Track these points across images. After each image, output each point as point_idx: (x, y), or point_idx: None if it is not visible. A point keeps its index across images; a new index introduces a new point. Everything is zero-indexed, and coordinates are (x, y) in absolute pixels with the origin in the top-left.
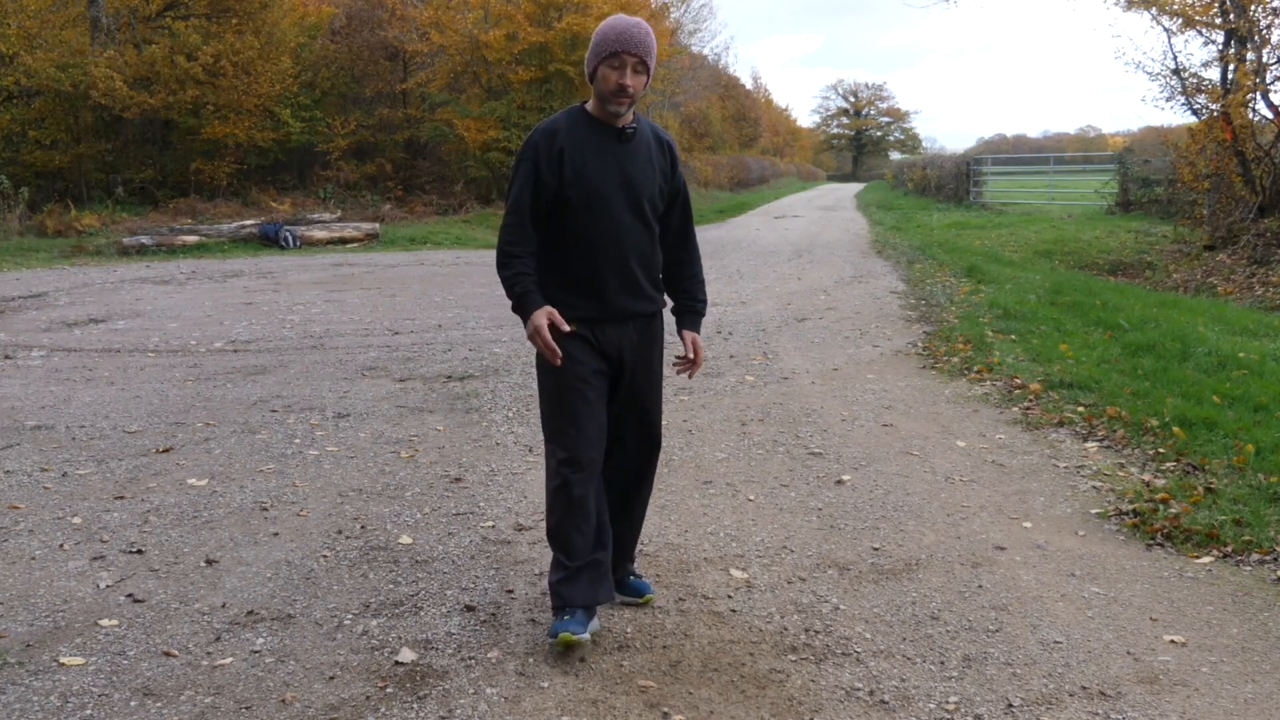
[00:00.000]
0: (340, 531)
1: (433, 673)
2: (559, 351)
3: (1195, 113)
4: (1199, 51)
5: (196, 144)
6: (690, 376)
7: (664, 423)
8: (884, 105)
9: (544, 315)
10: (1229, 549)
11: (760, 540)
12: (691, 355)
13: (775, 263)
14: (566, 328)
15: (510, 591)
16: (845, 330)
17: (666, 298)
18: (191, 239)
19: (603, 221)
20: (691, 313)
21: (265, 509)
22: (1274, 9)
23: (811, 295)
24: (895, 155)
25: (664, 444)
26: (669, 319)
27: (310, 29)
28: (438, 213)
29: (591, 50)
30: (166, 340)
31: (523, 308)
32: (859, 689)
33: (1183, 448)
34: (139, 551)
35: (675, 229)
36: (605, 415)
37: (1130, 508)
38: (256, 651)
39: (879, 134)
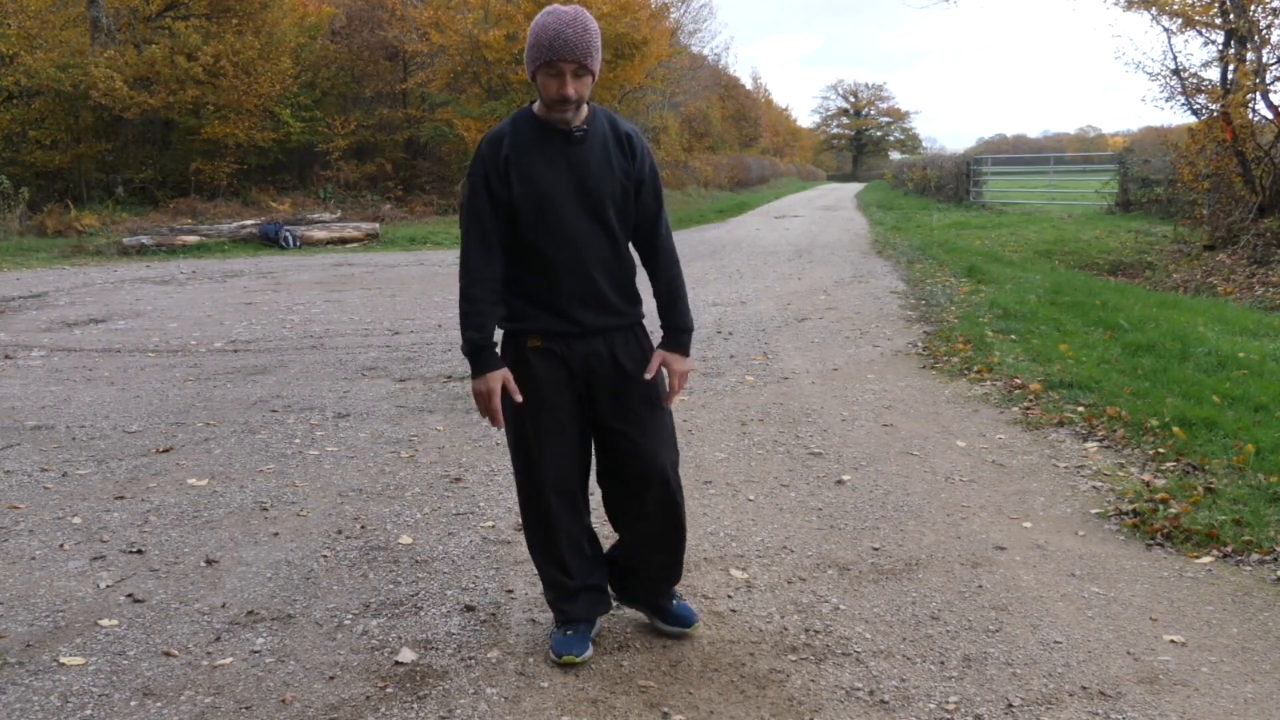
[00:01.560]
0: (340, 531)
1: (433, 673)
2: (501, 421)
3: (1195, 113)
4: (1199, 51)
5: (196, 144)
6: (667, 403)
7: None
8: (884, 105)
9: (497, 379)
10: (1229, 549)
11: (760, 540)
12: (666, 381)
13: (775, 262)
14: (519, 398)
15: (510, 591)
16: (845, 330)
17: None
18: (191, 239)
19: (557, 232)
20: (673, 329)
21: (265, 509)
22: (1274, 9)
23: (811, 295)
24: (895, 155)
25: None
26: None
27: (310, 29)
28: (438, 213)
29: (527, 52)
30: (166, 340)
31: (476, 360)
32: (859, 689)
33: (1183, 448)
34: (139, 551)
35: (643, 228)
36: (580, 433)
37: (1130, 508)
38: (256, 651)
39: (879, 134)
